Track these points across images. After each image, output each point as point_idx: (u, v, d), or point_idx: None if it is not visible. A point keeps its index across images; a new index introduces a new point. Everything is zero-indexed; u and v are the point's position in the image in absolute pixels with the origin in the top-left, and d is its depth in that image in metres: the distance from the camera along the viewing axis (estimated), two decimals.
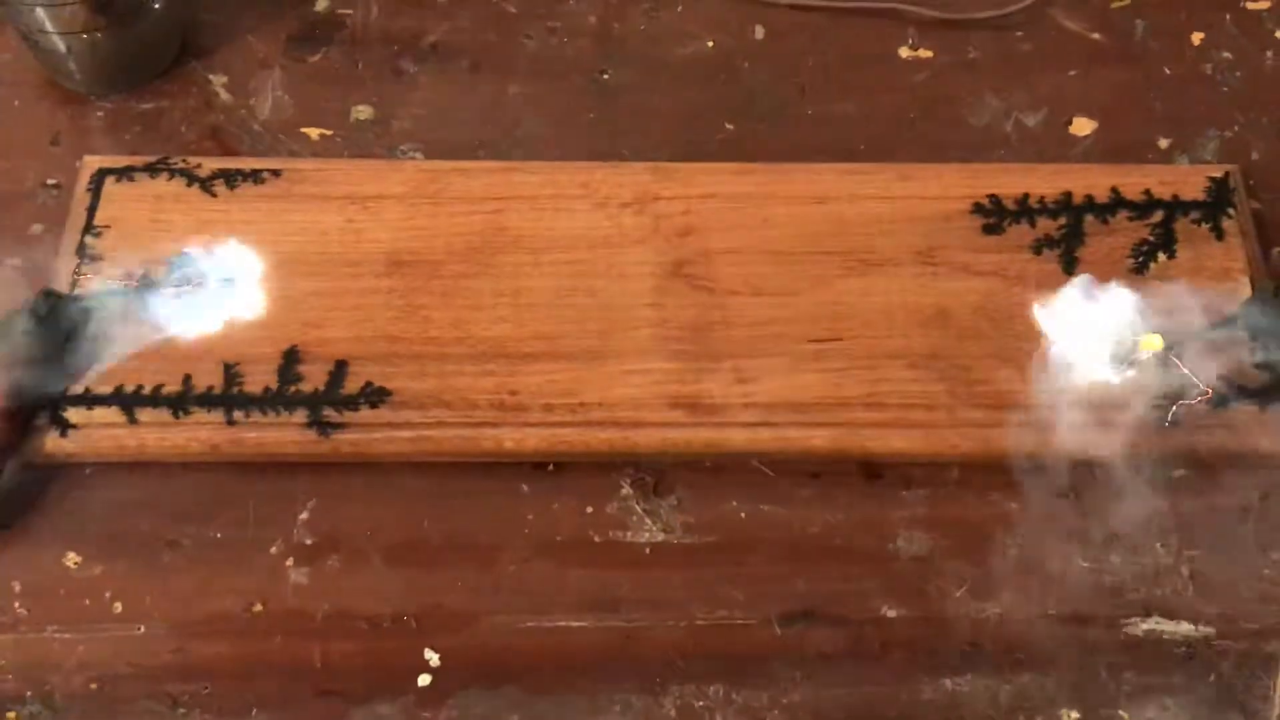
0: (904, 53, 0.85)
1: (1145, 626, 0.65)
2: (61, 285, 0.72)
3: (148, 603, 0.65)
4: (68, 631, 0.65)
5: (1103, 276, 0.72)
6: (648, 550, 0.67)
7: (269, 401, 0.69)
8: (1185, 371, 0.68)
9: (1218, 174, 0.76)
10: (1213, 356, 0.69)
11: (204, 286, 0.72)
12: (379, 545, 0.67)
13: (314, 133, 0.81)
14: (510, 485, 0.69)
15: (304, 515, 0.68)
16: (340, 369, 0.70)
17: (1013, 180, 0.76)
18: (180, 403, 0.68)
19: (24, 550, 0.67)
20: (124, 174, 0.76)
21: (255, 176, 0.76)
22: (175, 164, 0.77)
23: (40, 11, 0.77)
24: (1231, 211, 0.75)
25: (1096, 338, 0.70)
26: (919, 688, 0.63)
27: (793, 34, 0.86)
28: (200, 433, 0.68)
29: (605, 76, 0.84)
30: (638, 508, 0.68)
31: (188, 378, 0.69)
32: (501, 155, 0.80)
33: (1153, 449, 0.67)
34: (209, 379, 0.69)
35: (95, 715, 0.63)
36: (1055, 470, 0.67)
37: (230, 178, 0.76)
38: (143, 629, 0.65)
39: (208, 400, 0.69)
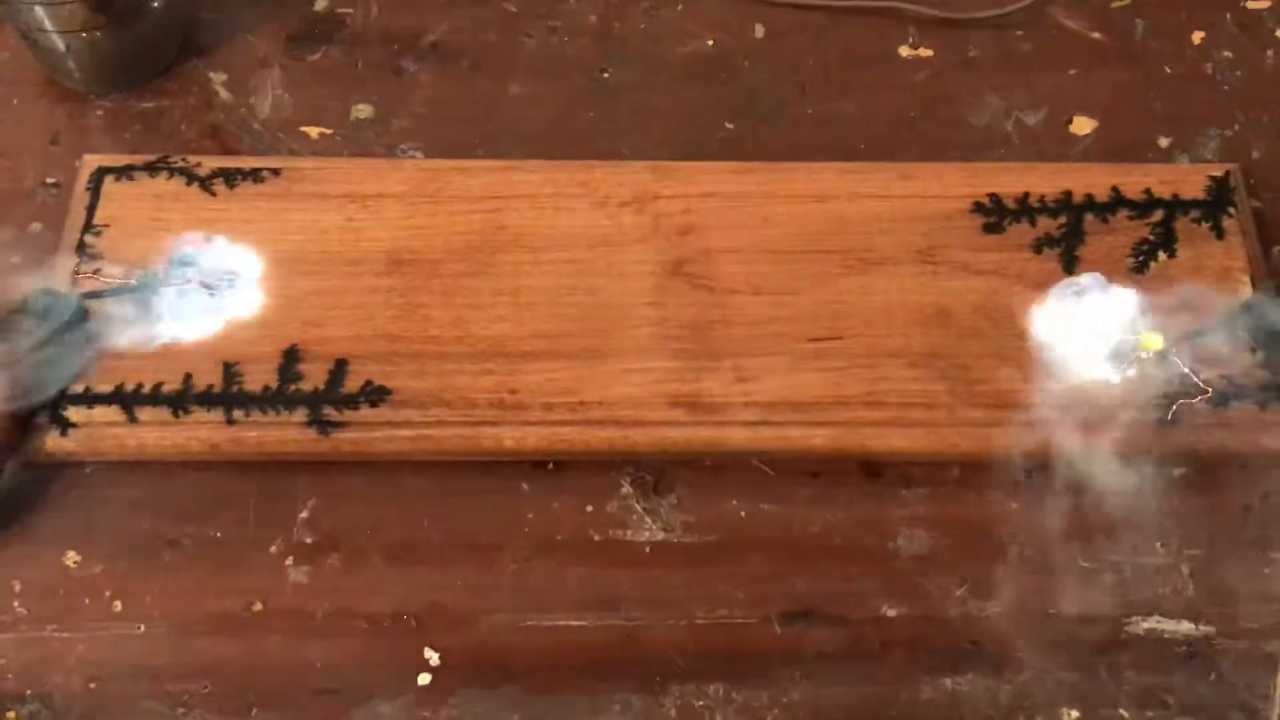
0: (904, 52, 0.85)
1: (1146, 626, 0.65)
2: (61, 284, 0.72)
3: (148, 602, 0.65)
4: (67, 630, 0.65)
5: (1103, 275, 0.72)
6: (648, 549, 0.67)
7: (269, 400, 0.69)
8: (1185, 370, 0.68)
9: (1218, 173, 0.76)
10: (1213, 355, 0.69)
11: (203, 285, 0.72)
12: (379, 544, 0.67)
13: (314, 131, 0.81)
14: (510, 484, 0.69)
15: (304, 514, 0.68)
16: (340, 368, 0.70)
17: (1013, 179, 0.76)
18: (180, 402, 0.68)
19: (24, 549, 0.67)
20: (123, 173, 0.76)
21: (255, 175, 0.76)
22: (175, 163, 0.77)
23: (39, 10, 0.77)
24: (1232, 210, 0.75)
25: (1097, 337, 0.70)
26: (919, 687, 0.63)
27: (793, 33, 0.86)
28: (200, 432, 0.68)
29: (605, 75, 0.84)
30: (638, 506, 0.68)
31: (188, 377, 0.69)
32: (501, 154, 0.79)
33: (1153, 448, 0.67)
34: (209, 378, 0.69)
35: (95, 714, 0.63)
36: (1055, 469, 0.67)
37: (230, 177, 0.76)
38: (143, 628, 0.65)
39: (208, 399, 0.69)
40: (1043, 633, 0.64)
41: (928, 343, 0.70)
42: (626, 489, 0.68)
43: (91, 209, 0.75)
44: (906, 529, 0.67)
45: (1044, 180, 0.76)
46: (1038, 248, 0.74)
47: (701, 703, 0.63)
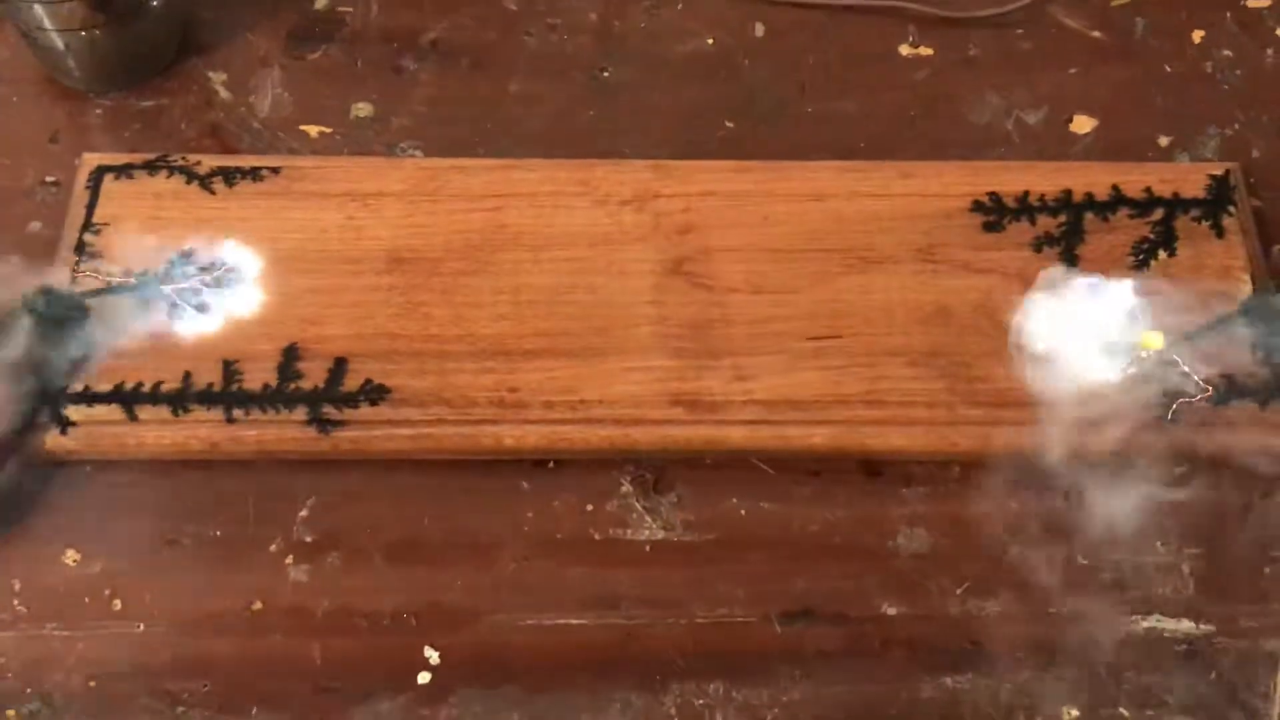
0: (904, 50, 0.85)
1: (1145, 624, 0.65)
2: (61, 283, 0.72)
3: (147, 600, 0.65)
4: (67, 629, 0.65)
5: (1103, 274, 0.72)
6: (648, 548, 0.67)
7: (269, 399, 0.68)
8: (1185, 369, 0.68)
9: (1218, 172, 0.76)
10: (1213, 354, 0.69)
11: (203, 284, 0.72)
12: (379, 543, 0.67)
13: (313, 130, 0.81)
14: (510, 483, 0.69)
15: (304, 513, 0.68)
16: (340, 366, 0.70)
17: (1013, 178, 0.76)
18: (180, 400, 0.68)
19: (23, 548, 0.67)
20: (123, 171, 0.76)
21: (254, 174, 0.76)
22: (174, 161, 0.77)
23: (39, 8, 0.77)
24: (1232, 209, 0.75)
25: (1097, 335, 0.70)
26: (919, 686, 0.63)
27: (793, 32, 0.86)
28: (200, 430, 0.68)
29: (605, 74, 0.84)
30: (638, 505, 0.68)
31: (187, 375, 0.69)
32: (501, 153, 0.79)
33: (1153, 446, 0.67)
34: (208, 376, 0.69)
35: (95, 713, 0.63)
36: (1055, 467, 0.66)
37: (229, 175, 0.76)
38: (142, 627, 0.65)
39: (207, 398, 0.68)
40: (1043, 631, 0.64)
41: (928, 341, 0.70)
42: (626, 488, 0.68)
43: (91, 208, 0.75)
44: (906, 528, 0.67)
45: (1044, 179, 0.76)
46: (1038, 246, 0.74)
47: (701, 701, 0.63)
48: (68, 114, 0.82)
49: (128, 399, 0.68)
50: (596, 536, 0.67)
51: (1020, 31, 0.86)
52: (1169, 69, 0.84)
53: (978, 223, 0.75)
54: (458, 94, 0.83)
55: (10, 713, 0.62)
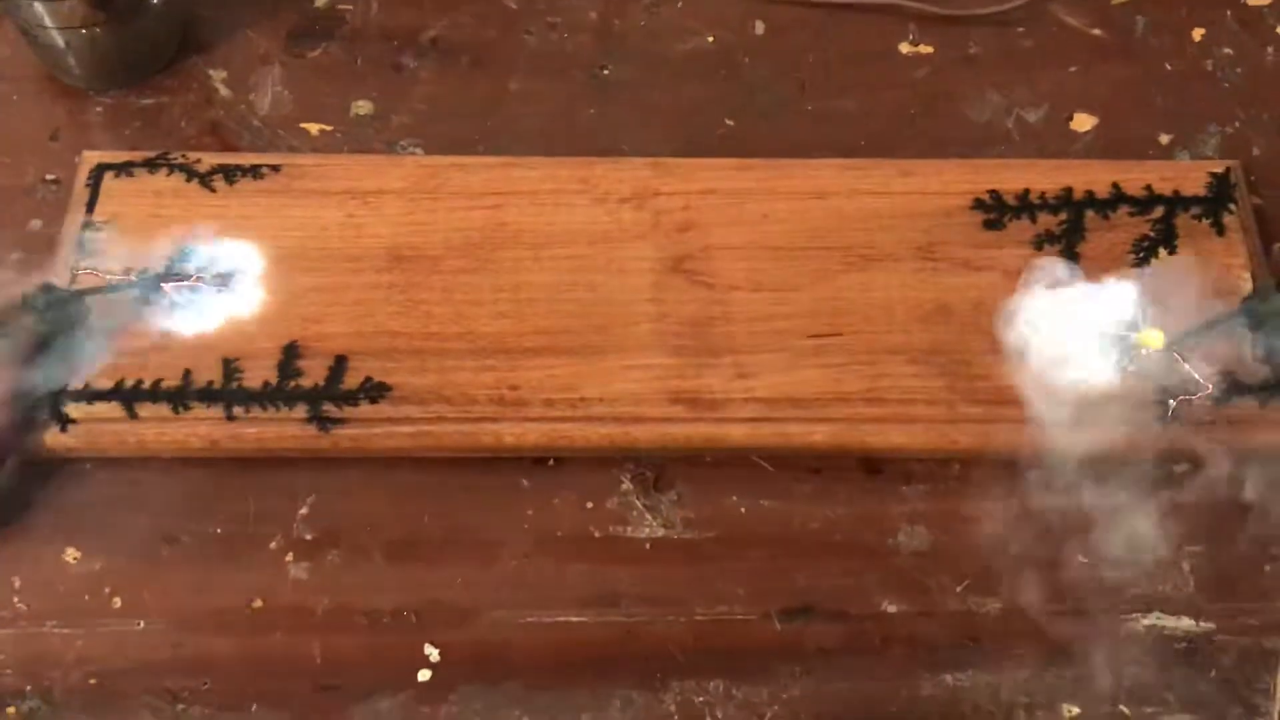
0: (904, 48, 0.85)
1: (1146, 622, 0.65)
2: (61, 280, 0.72)
3: (147, 598, 0.65)
4: (67, 627, 0.65)
5: (1104, 272, 0.72)
6: (648, 545, 0.67)
7: (269, 397, 0.68)
8: (1186, 367, 0.68)
9: (1219, 169, 0.76)
10: (1213, 352, 0.69)
11: (203, 281, 0.72)
12: (379, 540, 0.67)
13: (314, 128, 0.81)
14: (510, 480, 0.69)
15: (304, 510, 0.68)
16: (340, 364, 0.70)
17: (1013, 176, 0.76)
18: (180, 398, 0.68)
19: (23, 546, 0.67)
20: (123, 169, 0.76)
21: (255, 172, 0.76)
22: (175, 159, 0.77)
23: (39, 6, 0.77)
24: (1233, 207, 0.75)
25: (1097, 333, 0.70)
26: (919, 683, 0.63)
27: (793, 30, 0.86)
28: (200, 428, 0.68)
29: (605, 72, 0.84)
30: (638, 503, 0.68)
31: (187, 373, 0.69)
32: (501, 150, 0.79)
33: (1153, 444, 0.67)
34: (208, 374, 0.69)
35: (94, 710, 0.63)
36: (1055, 465, 0.66)
37: (230, 173, 0.76)
38: (142, 624, 0.65)
39: (207, 395, 0.68)
40: (1043, 629, 0.64)
41: (928, 339, 0.70)
42: (627, 485, 0.68)
43: (91, 205, 0.75)
44: (907, 525, 0.67)
45: (1044, 177, 0.76)
46: (1038, 244, 0.74)
47: (701, 699, 0.63)
48: (68, 112, 0.82)
49: (128, 396, 0.68)
50: (597, 534, 0.67)
51: (1021, 29, 0.85)
52: (1169, 67, 0.84)
53: (978, 221, 0.75)
54: (458, 92, 0.83)
55: (10, 710, 0.62)
